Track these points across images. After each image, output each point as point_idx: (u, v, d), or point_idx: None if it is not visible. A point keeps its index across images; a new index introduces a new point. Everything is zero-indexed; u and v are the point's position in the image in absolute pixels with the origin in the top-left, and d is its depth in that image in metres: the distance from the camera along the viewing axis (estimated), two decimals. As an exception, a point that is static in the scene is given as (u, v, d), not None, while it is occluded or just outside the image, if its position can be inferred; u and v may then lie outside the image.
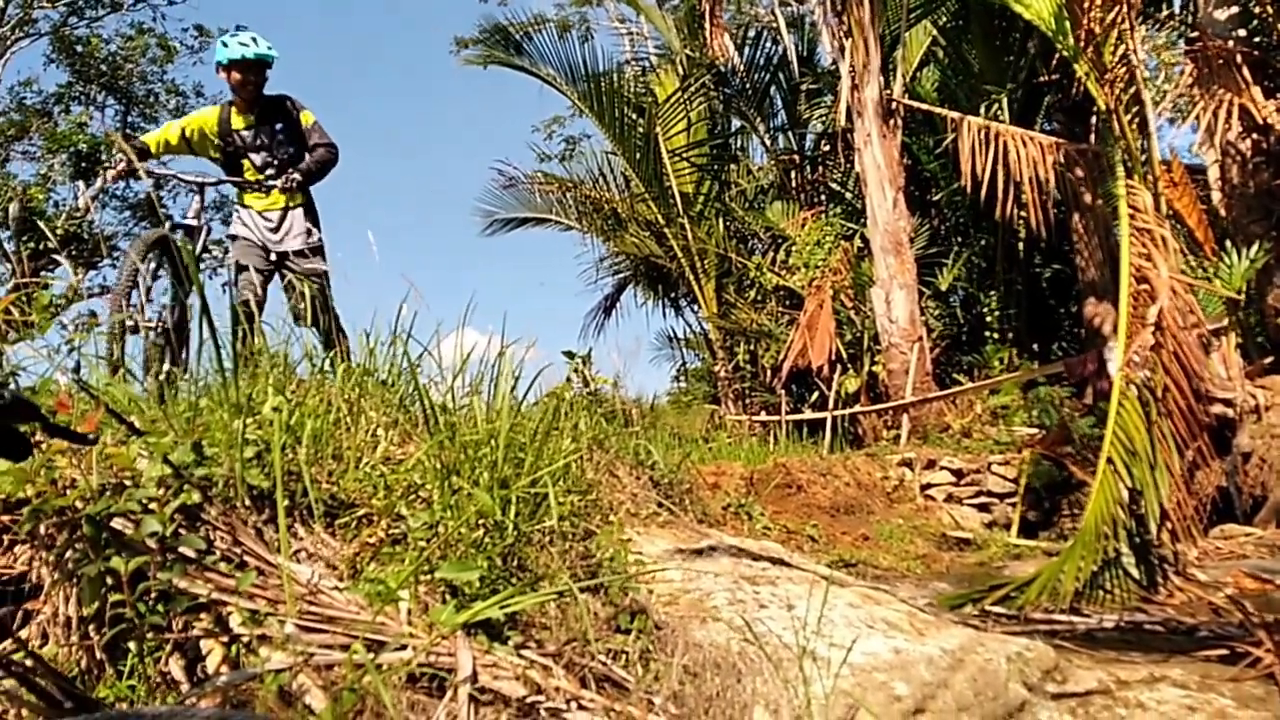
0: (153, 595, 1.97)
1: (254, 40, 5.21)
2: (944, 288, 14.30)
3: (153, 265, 4.41)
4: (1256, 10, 9.83)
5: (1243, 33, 9.72)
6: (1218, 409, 6.63)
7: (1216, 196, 10.56)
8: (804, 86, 16.49)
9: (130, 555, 1.93)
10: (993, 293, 13.76)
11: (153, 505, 2.06)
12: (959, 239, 14.83)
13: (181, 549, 2.03)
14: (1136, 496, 5.03)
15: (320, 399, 2.99)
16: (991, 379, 11.58)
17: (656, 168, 15.21)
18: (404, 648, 1.97)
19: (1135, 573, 5.02)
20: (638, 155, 15.20)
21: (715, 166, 16.34)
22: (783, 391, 13.88)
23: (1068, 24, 6.57)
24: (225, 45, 5.22)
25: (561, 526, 2.88)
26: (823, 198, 16.50)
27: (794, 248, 14.58)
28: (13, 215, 17.02)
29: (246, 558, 2.16)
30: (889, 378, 11.69)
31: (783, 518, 7.00)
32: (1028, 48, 12.85)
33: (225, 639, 1.96)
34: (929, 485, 8.98)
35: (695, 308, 17.18)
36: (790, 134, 17.35)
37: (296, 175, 5.13)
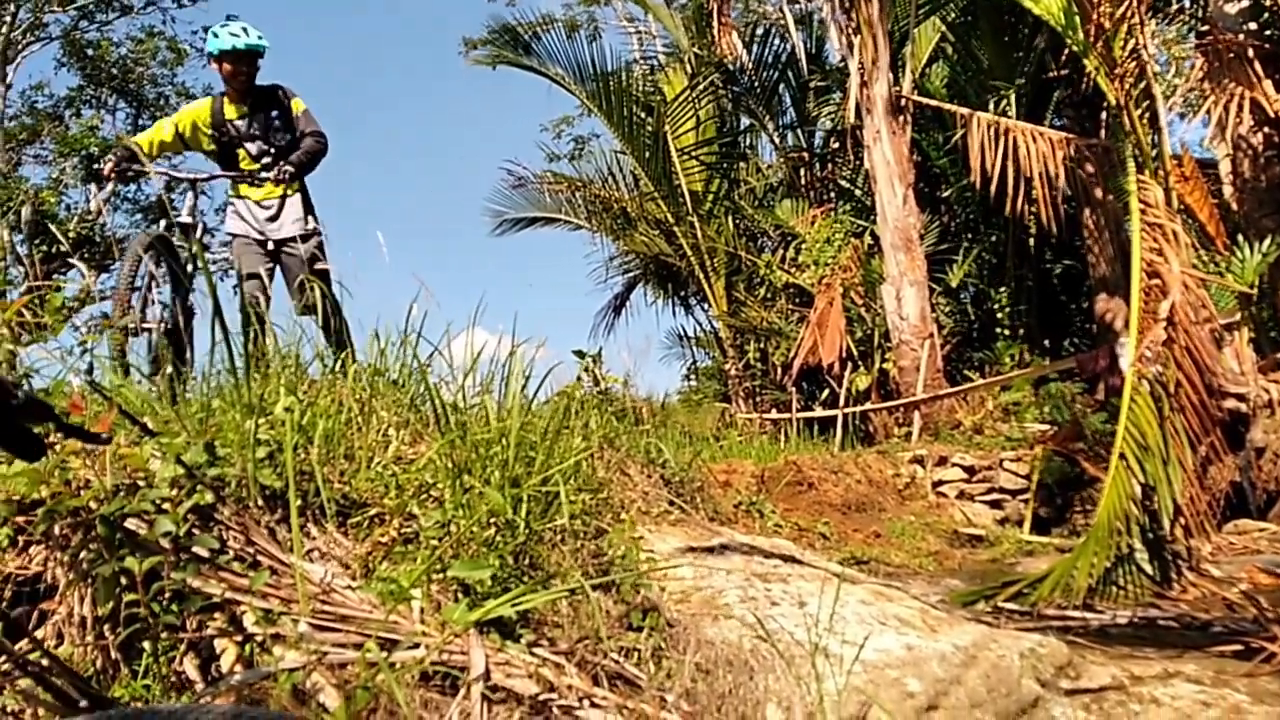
0: (167, 595, 1.98)
1: (245, 30, 5.20)
2: (955, 284, 14.27)
3: (152, 265, 4.42)
4: (1268, 3, 9.76)
5: (1254, 26, 9.66)
6: (1231, 404, 6.59)
7: (1228, 191, 10.50)
8: (812, 84, 16.45)
9: (144, 555, 1.94)
10: (1003, 289, 13.72)
11: (166, 505, 2.07)
12: (969, 235, 14.79)
13: (195, 549, 2.04)
14: (1149, 492, 5.02)
15: (332, 399, 2.99)
16: (1003, 375, 11.54)
17: (665, 166, 15.20)
18: (417, 646, 1.98)
19: (1149, 568, 5.00)
20: (647, 154, 15.19)
21: (724, 164, 16.33)
22: (793, 389, 13.87)
23: (1077, 19, 6.55)
24: (216, 36, 5.20)
25: (573, 525, 2.89)
26: (832, 195, 16.47)
27: (804, 245, 14.56)
28: (25, 219, 17.10)
29: (260, 557, 2.17)
30: (900, 375, 11.67)
31: (794, 515, 6.99)
32: (1036, 43, 12.79)
33: (239, 638, 1.97)
34: (941, 482, 8.96)
35: (705, 306, 17.17)
36: (799, 131, 17.32)
37: (289, 167, 5.11)
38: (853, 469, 8.63)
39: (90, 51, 21.82)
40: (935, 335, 11.68)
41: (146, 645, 1.94)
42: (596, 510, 3.38)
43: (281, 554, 2.19)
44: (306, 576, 2.10)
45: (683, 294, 18.22)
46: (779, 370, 14.81)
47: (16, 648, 1.85)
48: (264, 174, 5.22)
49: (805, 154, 17.18)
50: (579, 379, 6.02)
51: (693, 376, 20.07)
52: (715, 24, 15.55)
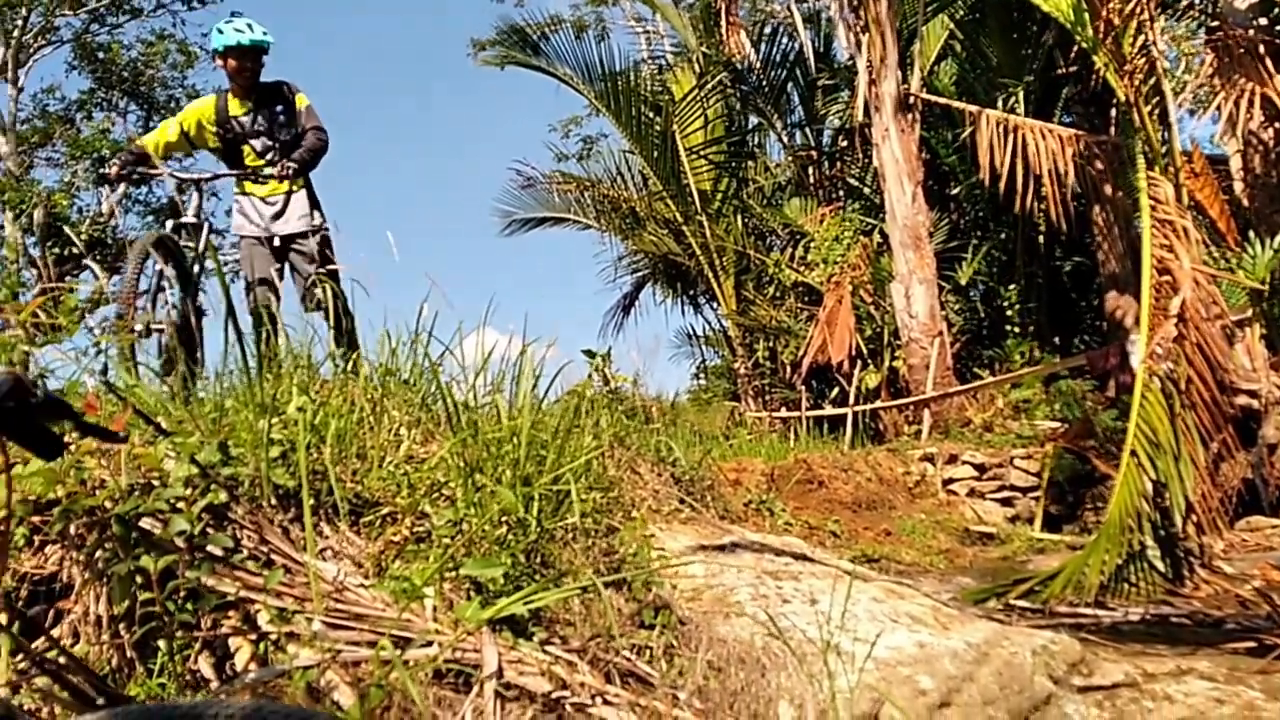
0: (181, 594, 1.99)
1: (249, 26, 5.20)
2: (964, 282, 14.24)
3: (161, 266, 4.43)
4: (1278, -2, 9.73)
5: (1264, 21, 9.62)
6: (1242, 400, 6.56)
7: (1239, 187, 10.47)
8: (821, 82, 16.44)
9: (159, 554, 1.95)
10: (1013, 286, 13.68)
11: (180, 505, 2.08)
12: (978, 233, 14.76)
13: (209, 548, 2.05)
14: (1161, 489, 5.01)
15: (344, 399, 3.01)
16: (1013, 373, 11.52)
17: (674, 166, 15.20)
18: (430, 644, 1.98)
19: (1160, 566, 5.00)
20: (655, 153, 15.19)
21: (733, 163, 16.33)
22: (803, 387, 13.86)
23: (1086, 15, 6.54)
24: (221, 32, 5.20)
25: (584, 523, 2.89)
26: (841, 193, 16.46)
27: (812, 244, 14.55)
28: (37, 221, 17.17)
29: (273, 556, 2.18)
30: (909, 373, 11.66)
31: (804, 513, 6.99)
32: (1045, 40, 12.76)
33: (253, 636, 1.98)
34: (951, 480, 8.95)
35: (714, 305, 17.17)
36: (807, 130, 17.31)
37: (293, 164, 5.10)
38: (863, 467, 8.63)
39: (101, 55, 21.88)
40: (945, 333, 11.66)
41: (162, 644, 1.95)
42: (607, 508, 3.39)
43: (295, 553, 2.20)
44: (320, 575, 2.11)
45: (692, 293, 18.22)
46: (788, 369, 14.80)
47: (33, 646, 1.86)
48: (268, 170, 5.23)
49: (814, 152, 17.17)
50: (589, 378, 6.02)
51: (702, 375, 20.06)
52: (723, 23, 15.56)
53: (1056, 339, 14.28)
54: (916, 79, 12.14)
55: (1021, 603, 4.69)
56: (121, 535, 1.98)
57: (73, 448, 2.11)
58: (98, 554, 2.03)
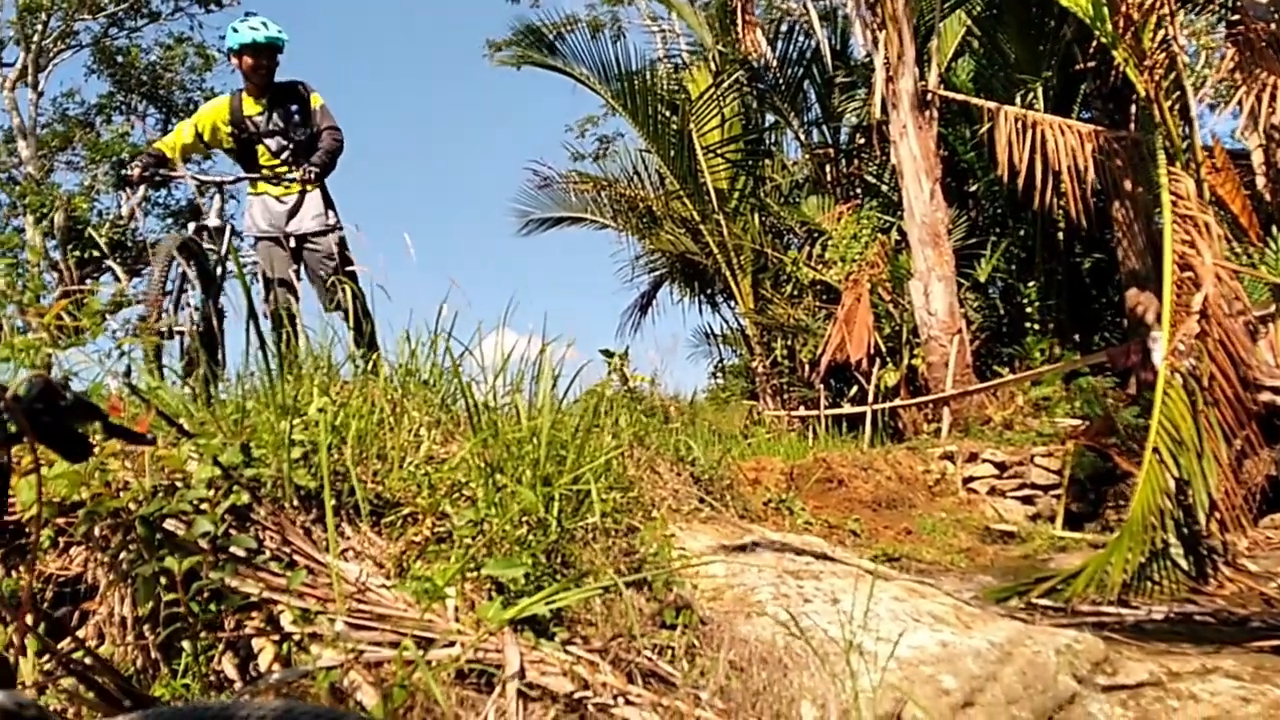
0: (205, 595, 2.00)
1: (264, 25, 5.22)
2: (983, 279, 14.18)
3: (184, 268, 4.45)
4: (1300, -9, 9.63)
5: (1286, 14, 9.54)
6: (1266, 397, 6.51)
7: (1261, 181, 10.38)
8: (837, 80, 16.38)
9: (183, 555, 1.96)
10: (1032, 283, 13.62)
11: (204, 506, 2.09)
12: (997, 230, 14.69)
13: (232, 549, 2.06)
14: (1184, 487, 4.97)
15: (364, 399, 3.01)
16: (1033, 370, 11.46)
17: (691, 164, 15.18)
18: (452, 644, 1.99)
19: (1184, 564, 4.96)
20: (672, 152, 15.18)
21: (749, 162, 16.29)
22: (821, 386, 13.82)
23: (1106, 10, 6.49)
24: (236, 31, 5.22)
25: (604, 523, 2.90)
26: (858, 191, 16.41)
27: (830, 242, 14.50)
28: (58, 225, 17.31)
29: (296, 557, 2.19)
30: (929, 371, 11.61)
31: (824, 512, 6.97)
32: (1063, 34, 12.68)
33: (277, 637, 1.99)
34: (971, 478, 8.91)
35: (732, 304, 17.13)
36: (824, 128, 17.26)
37: (314, 168, 5.11)
38: (882, 466, 8.60)
39: (120, 58, 22.00)
40: (964, 330, 11.61)
41: (186, 644, 1.96)
42: (627, 508, 3.39)
43: (317, 553, 2.21)
44: (342, 576, 2.12)
45: (709, 292, 18.19)
46: (806, 367, 14.77)
47: (60, 647, 1.88)
48: (289, 176, 5.24)
49: (831, 150, 17.13)
50: (608, 378, 6.02)
51: (720, 374, 20.02)
52: (739, 21, 15.51)
53: (1076, 336, 14.19)
54: (934, 75, 12.08)
55: (1044, 601, 4.67)
56: (146, 537, 1.99)
57: (96, 450, 2.12)
58: (122, 555, 2.04)
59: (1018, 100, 12.13)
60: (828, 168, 16.99)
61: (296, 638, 1.97)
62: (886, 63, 11.65)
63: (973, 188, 14.93)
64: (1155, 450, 5.06)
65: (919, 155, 11.50)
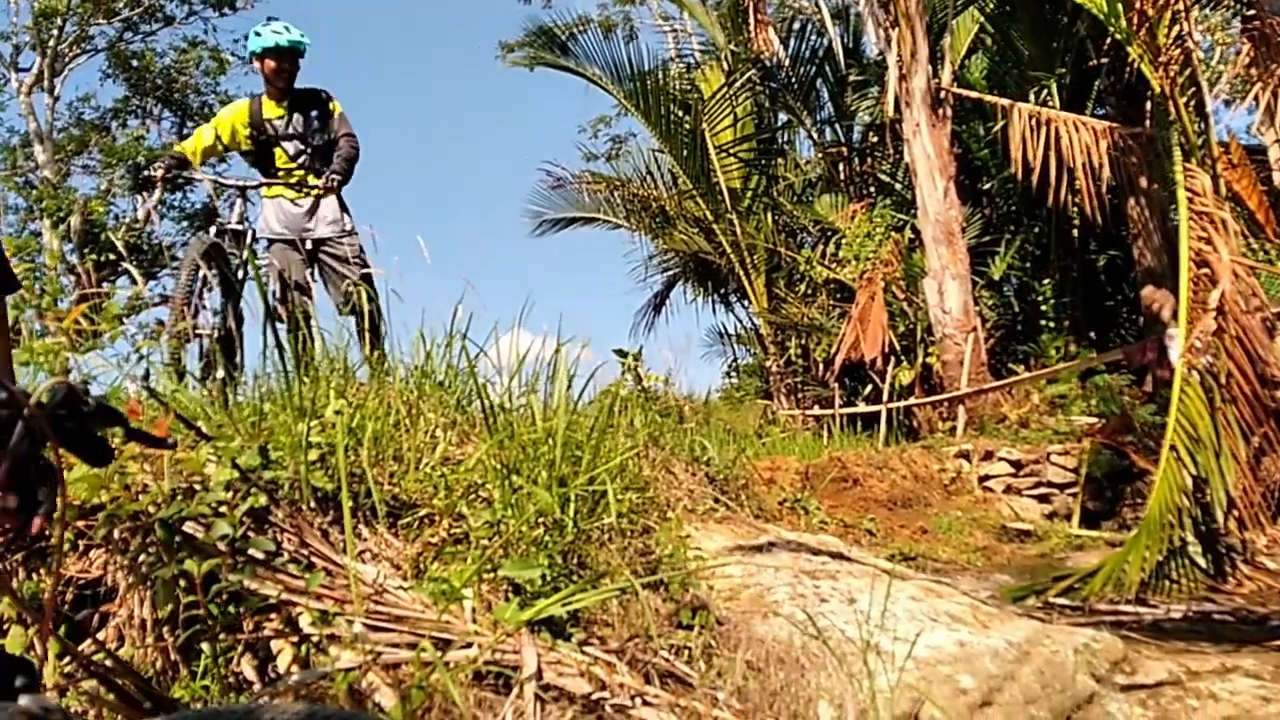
0: (224, 597, 2.01)
1: (287, 29, 5.28)
2: (997, 277, 14.12)
3: (206, 272, 4.48)
4: (1317, -15, 9.57)
5: (1302, 9, 9.48)
6: (1284, 394, 6.47)
7: (1278, 177, 10.31)
8: (850, 78, 16.34)
9: (202, 558, 1.97)
10: (1047, 281, 13.55)
11: (222, 509, 2.10)
12: (1011, 227, 14.62)
13: (251, 551, 2.07)
14: (1201, 484, 4.95)
15: (380, 401, 3.02)
16: (1048, 368, 11.40)
17: (704, 164, 15.16)
18: (470, 645, 1.99)
19: (1202, 562, 4.93)
20: (685, 152, 15.16)
21: (762, 161, 16.26)
22: (835, 385, 13.79)
23: (1120, 6, 6.46)
24: (259, 35, 5.29)
25: (620, 523, 2.90)
26: (872, 189, 16.35)
27: (844, 240, 14.46)
28: (74, 228, 17.41)
29: (313, 559, 2.20)
30: (944, 369, 11.57)
31: (839, 512, 6.96)
32: (1076, 31, 12.62)
33: (295, 639, 2.00)
34: (987, 477, 8.87)
35: (745, 303, 17.10)
36: (837, 126, 17.21)
37: (336, 175, 5.16)
38: (898, 464, 8.58)
39: (135, 62, 22.12)
40: (979, 329, 11.57)
41: (205, 646, 1.97)
42: (643, 509, 3.39)
43: (335, 555, 2.22)
44: (360, 577, 2.13)
45: (723, 291, 18.16)
46: (821, 366, 14.73)
47: (80, 649, 1.89)
48: (311, 181, 5.28)
49: (844, 149, 17.08)
50: (623, 377, 6.02)
51: (734, 374, 19.99)
52: (751, 20, 15.47)
53: (1092, 334, 14.11)
54: (947, 73, 12.05)
55: (1061, 600, 4.65)
56: (165, 539, 2.00)
57: (116, 453, 2.13)
58: (141, 558, 2.05)
59: (1031, 97, 12.07)
60: (841, 166, 16.94)
61: (315, 639, 1.98)
62: (899, 61, 11.62)
63: (986, 185, 14.86)
64: (1172, 448, 5.03)
65: (932, 153, 11.46)
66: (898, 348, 12.85)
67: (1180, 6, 6.15)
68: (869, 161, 16.88)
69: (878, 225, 14.12)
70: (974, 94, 12.02)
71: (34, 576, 2.07)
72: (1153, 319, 11.84)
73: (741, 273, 15.55)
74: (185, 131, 21.91)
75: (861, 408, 13.01)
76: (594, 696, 1.98)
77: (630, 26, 26.94)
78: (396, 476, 2.72)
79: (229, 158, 5.94)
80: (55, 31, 20.16)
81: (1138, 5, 6.14)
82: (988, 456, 9.01)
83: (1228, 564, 5.02)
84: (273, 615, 2.04)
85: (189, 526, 2.07)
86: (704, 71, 16.80)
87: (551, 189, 17.76)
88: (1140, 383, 10.29)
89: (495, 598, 2.25)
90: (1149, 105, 11.71)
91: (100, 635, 2.05)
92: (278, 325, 3.77)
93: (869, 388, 13.60)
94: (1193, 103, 6.42)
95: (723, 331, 19.50)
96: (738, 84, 15.24)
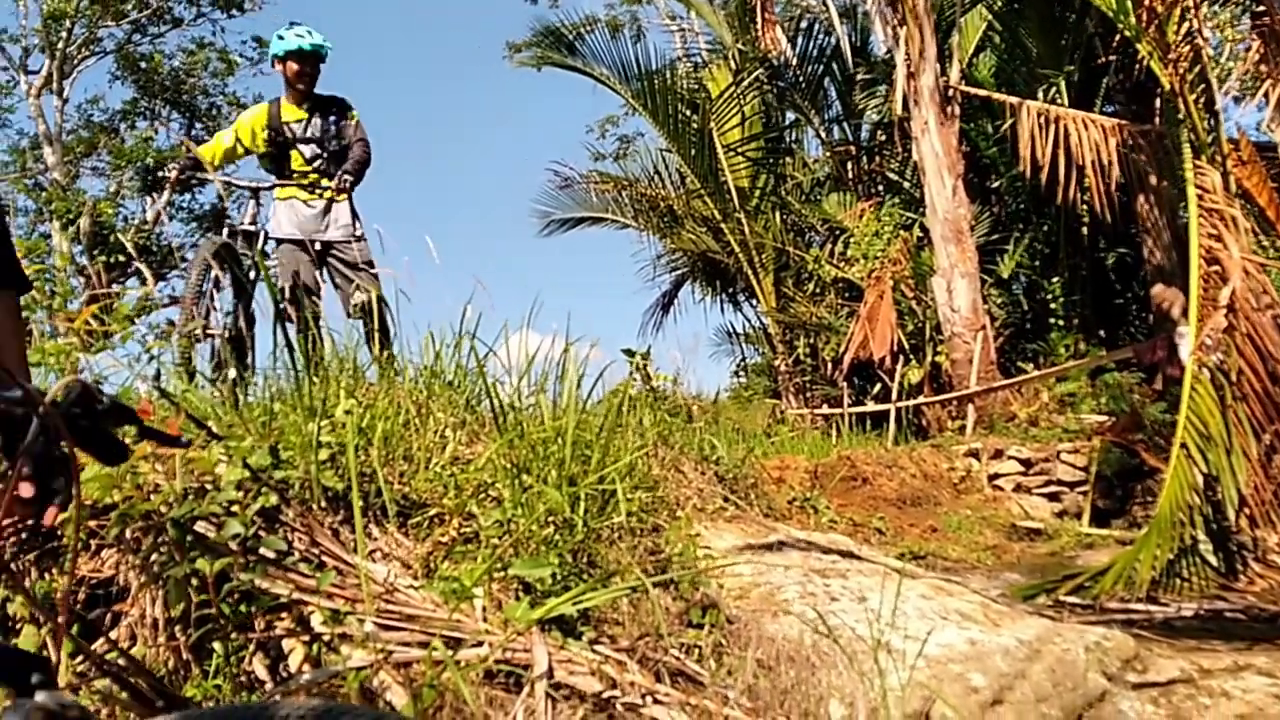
0: (235, 596, 2.01)
1: (309, 33, 5.34)
2: (1006, 275, 14.08)
3: (217, 272, 4.50)
4: (1326, -18, 9.53)
5: (1312, 5, 9.44)
6: (1295, 391, 6.44)
7: (1288, 174, 10.25)
8: (858, 77, 16.32)
9: (214, 557, 1.98)
10: (1056, 279, 13.51)
11: (234, 508, 2.11)
12: (1020, 225, 14.58)
13: (262, 550, 2.07)
14: (1212, 482, 4.93)
15: (390, 401, 3.03)
16: (1058, 366, 11.36)
17: (711, 163, 15.15)
18: (481, 644, 2.00)
19: (1213, 560, 4.91)
20: (692, 151, 15.15)
21: (770, 160, 16.23)
22: (844, 384, 13.78)
23: (1129, 3, 6.44)
24: (282, 38, 5.34)
25: (630, 522, 2.90)
26: (880, 188, 16.33)
27: (852, 239, 14.44)
28: (84, 230, 17.46)
29: (324, 558, 2.20)
30: (953, 368, 11.55)
31: (849, 510, 6.95)
32: (1084, 28, 12.59)
33: (307, 638, 2.00)
34: (996, 475, 8.85)
35: (754, 302, 17.09)
36: (845, 125, 17.19)
37: (349, 177, 5.20)
38: (907, 463, 8.57)
39: (143, 64, 22.17)
40: (988, 327, 11.54)
41: (217, 645, 1.98)
42: (652, 508, 3.39)
43: (345, 554, 2.22)
44: (371, 576, 2.13)
45: (731, 290, 18.15)
46: (829, 365, 14.72)
47: (93, 648, 1.90)
48: (325, 183, 5.31)
49: (852, 147, 17.05)
50: (631, 377, 6.02)
51: (742, 373, 19.98)
52: (759, 19, 15.44)
53: (1102, 332, 14.07)
54: (955, 71, 12.01)
55: (1071, 599, 4.63)
56: (177, 539, 2.01)
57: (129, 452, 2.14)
58: (153, 557, 2.06)
59: (1040, 95, 12.05)
60: (849, 165, 16.92)
61: (326, 638, 1.98)
62: (907, 59, 11.60)
63: (995, 183, 14.83)
64: (1183, 446, 5.02)
65: (941, 151, 11.44)
66: (906, 346, 12.82)
67: (1189, 3, 6.12)
68: (877, 160, 16.85)
69: (886, 224, 14.10)
70: (982, 92, 11.99)
71: (46, 576, 2.07)
72: (1163, 317, 11.81)
73: (750, 272, 15.54)
74: (194, 133, 22.01)
75: (870, 406, 12.99)
76: (605, 695, 1.98)
77: (637, 26, 26.94)
78: (407, 476, 2.73)
79: (239, 160, 5.97)
80: (64, 34, 20.21)
81: (1147, 2, 6.12)
82: (997, 455, 8.99)
83: (1239, 562, 5.00)
84: (284, 614, 2.05)
85: (201, 526, 2.08)
86: (711, 71, 16.79)
87: (559, 189, 17.77)
88: (1150, 380, 10.26)
89: (506, 596, 2.25)
90: (1158, 102, 11.69)
91: (113, 634, 2.06)
92: (288, 326, 3.78)
93: (878, 387, 13.58)
94: (1202, 100, 6.39)
95: (731, 331, 19.52)
96: (745, 83, 15.23)
